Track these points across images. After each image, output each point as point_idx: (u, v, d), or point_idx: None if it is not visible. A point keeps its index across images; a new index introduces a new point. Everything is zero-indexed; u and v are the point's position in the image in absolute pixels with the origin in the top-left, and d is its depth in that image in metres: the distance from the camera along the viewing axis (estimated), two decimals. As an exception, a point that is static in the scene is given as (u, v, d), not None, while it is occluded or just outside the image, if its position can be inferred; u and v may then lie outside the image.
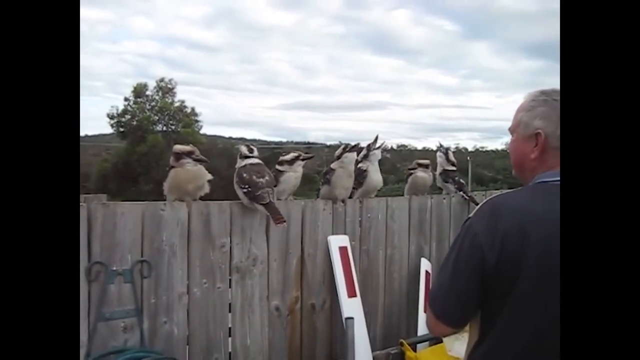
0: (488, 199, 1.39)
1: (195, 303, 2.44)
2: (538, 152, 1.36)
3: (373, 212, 3.18)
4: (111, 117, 30.97)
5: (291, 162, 2.95)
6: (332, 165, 3.07)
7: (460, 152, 41.50)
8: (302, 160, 3.00)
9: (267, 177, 2.58)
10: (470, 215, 1.37)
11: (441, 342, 2.90)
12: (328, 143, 42.99)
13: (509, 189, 1.75)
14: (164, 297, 2.35)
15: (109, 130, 32.61)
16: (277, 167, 2.94)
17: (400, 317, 3.32)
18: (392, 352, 3.01)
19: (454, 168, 3.78)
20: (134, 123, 30.60)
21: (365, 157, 3.25)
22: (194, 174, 2.48)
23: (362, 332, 2.88)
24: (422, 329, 3.12)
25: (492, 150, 43.35)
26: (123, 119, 31.01)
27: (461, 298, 1.34)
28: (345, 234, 3.02)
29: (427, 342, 3.07)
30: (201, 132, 32.44)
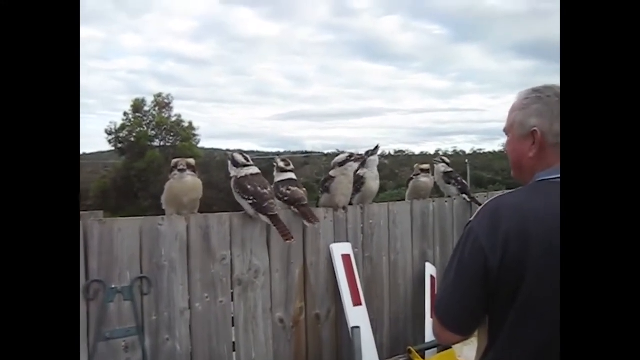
0: (488, 200, 1.37)
1: (197, 318, 2.39)
2: (536, 150, 1.34)
3: (375, 218, 3.14)
4: (109, 132, 31.00)
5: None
6: (332, 173, 3.03)
7: (458, 155, 41.60)
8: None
9: (269, 188, 2.59)
10: (472, 218, 1.34)
11: (450, 348, 2.85)
12: (325, 152, 43.05)
13: (508, 189, 1.73)
14: (165, 313, 2.30)
15: (106, 147, 32.63)
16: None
17: (406, 324, 3.27)
18: (400, 359, 2.96)
19: (451, 169, 3.80)
20: (132, 139, 30.61)
21: (363, 164, 3.22)
22: (188, 186, 2.46)
23: (368, 341, 2.83)
24: (429, 335, 3.07)
25: (490, 152, 43.36)
26: (121, 135, 31.03)
27: (465, 303, 1.31)
28: (347, 241, 2.97)
29: (435, 349, 3.02)
30: (199, 145, 32.46)
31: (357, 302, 2.86)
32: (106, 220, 2.22)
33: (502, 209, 1.29)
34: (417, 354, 2.88)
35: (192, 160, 2.55)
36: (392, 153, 46.25)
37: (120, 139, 31.07)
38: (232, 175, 2.62)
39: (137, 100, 31.83)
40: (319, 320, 2.83)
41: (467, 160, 31.44)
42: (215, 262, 2.45)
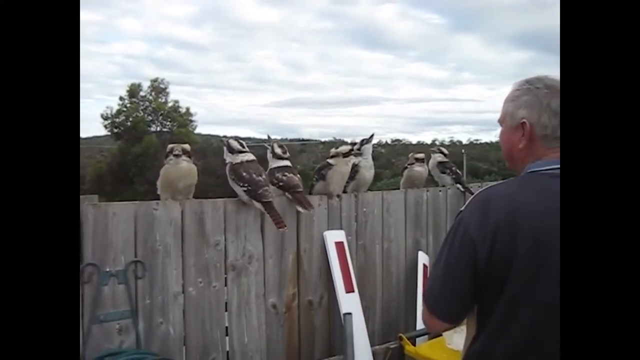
0: (479, 191, 1.38)
1: (191, 303, 2.41)
2: (525, 141, 1.36)
3: (369, 207, 3.15)
4: (105, 117, 30.83)
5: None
6: (331, 161, 3.02)
7: (454, 145, 41.62)
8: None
9: (264, 175, 2.60)
10: (462, 208, 1.36)
11: (440, 335, 2.88)
12: (322, 139, 43.02)
13: (503, 180, 1.75)
14: (159, 297, 2.32)
15: (102, 132, 32.47)
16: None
17: (398, 312, 3.30)
18: (392, 346, 2.99)
19: (446, 159, 3.81)
20: (129, 124, 30.45)
21: (358, 152, 3.22)
22: (183, 171, 2.46)
23: (360, 328, 2.86)
24: (420, 323, 3.09)
25: (487, 143, 43.45)
26: (117, 120, 30.85)
27: (454, 293, 1.32)
28: (341, 229, 2.99)
29: (426, 336, 3.05)
30: (196, 132, 32.36)
31: (349, 289, 2.88)
32: (101, 205, 2.22)
33: (492, 199, 1.30)
34: (407, 341, 2.91)
35: (187, 146, 2.55)
36: (389, 142, 46.31)
37: (116, 123, 30.90)
38: (227, 161, 2.63)
39: (133, 85, 31.66)
40: (312, 306, 2.86)
41: (463, 151, 31.48)
42: (209, 248, 2.47)
